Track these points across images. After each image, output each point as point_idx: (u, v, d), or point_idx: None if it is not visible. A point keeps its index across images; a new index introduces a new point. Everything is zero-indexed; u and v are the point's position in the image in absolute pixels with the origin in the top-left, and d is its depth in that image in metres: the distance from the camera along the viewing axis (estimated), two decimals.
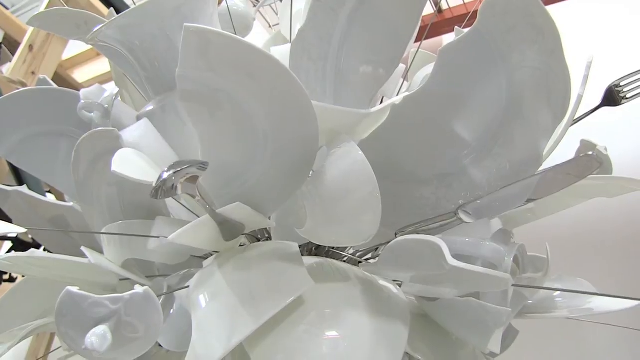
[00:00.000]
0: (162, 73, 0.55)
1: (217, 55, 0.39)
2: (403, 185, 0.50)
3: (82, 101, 0.56)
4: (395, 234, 0.46)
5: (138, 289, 0.41)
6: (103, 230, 0.54)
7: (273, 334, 0.45)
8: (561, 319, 0.61)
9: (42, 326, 0.60)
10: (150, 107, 0.55)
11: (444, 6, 1.27)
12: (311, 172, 0.47)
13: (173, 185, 0.36)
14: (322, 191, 0.46)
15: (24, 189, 0.68)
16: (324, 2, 0.48)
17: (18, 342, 0.58)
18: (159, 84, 0.56)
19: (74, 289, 0.40)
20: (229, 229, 0.47)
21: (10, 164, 1.00)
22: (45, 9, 1.36)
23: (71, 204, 0.66)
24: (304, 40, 0.49)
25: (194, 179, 0.37)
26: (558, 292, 0.61)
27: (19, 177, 1.03)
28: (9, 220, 0.72)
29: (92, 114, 0.56)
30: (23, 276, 0.66)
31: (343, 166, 0.45)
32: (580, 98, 0.49)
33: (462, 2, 1.26)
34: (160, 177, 0.34)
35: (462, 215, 0.41)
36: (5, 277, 1.27)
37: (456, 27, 0.57)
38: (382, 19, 0.48)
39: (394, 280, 0.53)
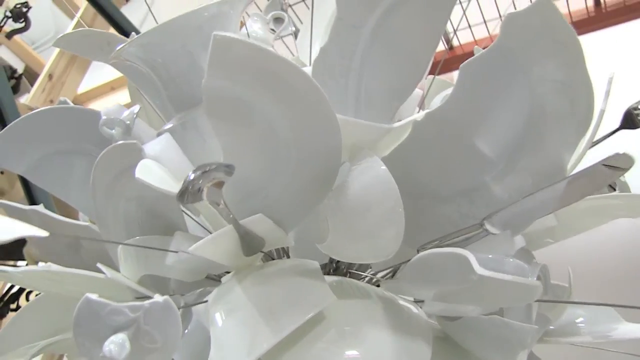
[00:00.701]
0: (184, 90, 0.56)
1: (243, 65, 0.39)
2: (424, 202, 0.50)
3: (104, 117, 0.56)
4: (417, 251, 0.45)
5: (158, 298, 0.40)
6: (120, 248, 0.53)
7: (292, 350, 0.43)
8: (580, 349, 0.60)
9: (51, 344, 0.58)
10: (170, 125, 0.55)
11: (455, 43, 1.29)
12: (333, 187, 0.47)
13: (199, 188, 0.35)
14: (344, 205, 0.45)
15: (40, 207, 0.68)
16: (346, 20, 0.49)
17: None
18: (179, 102, 0.56)
19: (93, 296, 0.40)
20: (249, 243, 0.47)
21: (23, 184, 1.01)
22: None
23: (87, 223, 0.66)
24: (326, 58, 0.50)
25: (219, 184, 0.37)
26: (581, 318, 0.59)
27: (32, 197, 1.03)
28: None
29: (113, 130, 0.56)
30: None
31: (365, 180, 0.45)
32: (602, 113, 0.49)
33: (472, 40, 1.29)
34: (187, 178, 0.34)
35: (488, 226, 0.40)
36: (13, 306, 1.26)
37: (475, 46, 0.57)
38: (403, 38, 0.49)
39: (415, 301, 0.51)
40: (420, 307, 0.50)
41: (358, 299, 0.48)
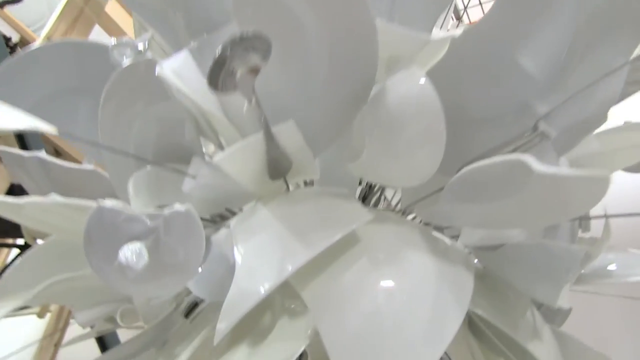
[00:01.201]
0: (201, 16, 0.52)
1: None
2: (462, 127, 0.46)
3: (114, 42, 0.52)
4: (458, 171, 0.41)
5: (179, 207, 0.36)
6: (131, 180, 0.49)
7: (326, 273, 0.39)
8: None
9: (49, 287, 0.53)
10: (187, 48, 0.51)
11: (465, 20, 1.26)
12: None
13: (233, 70, 0.31)
14: (379, 119, 0.41)
15: (41, 153, 0.63)
16: None
17: (24, 302, 0.52)
18: (196, 29, 0.52)
19: (108, 203, 0.35)
20: (275, 163, 0.43)
21: (18, 135, 0.95)
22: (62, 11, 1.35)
23: (92, 167, 0.61)
24: None
25: (254, 71, 0.33)
26: (613, 264, 0.55)
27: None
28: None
29: (124, 58, 0.52)
30: None
31: (404, 91, 0.41)
32: None
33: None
34: (219, 51, 0.30)
35: (543, 127, 0.36)
36: None
37: None
38: None
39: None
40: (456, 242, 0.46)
41: (393, 224, 0.44)
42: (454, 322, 0.37)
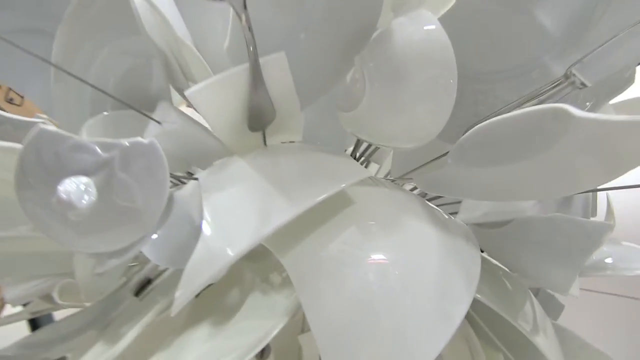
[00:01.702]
0: None
1: None
2: (471, 85, 0.41)
3: None
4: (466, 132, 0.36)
5: (141, 139, 0.29)
6: (85, 126, 0.41)
7: (310, 239, 0.33)
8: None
9: None
10: None
11: None
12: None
13: None
14: (382, 65, 0.35)
15: None
16: None
17: None
18: None
19: (49, 127, 0.28)
20: (257, 111, 0.36)
21: None
22: None
23: (44, 119, 0.53)
24: None
25: None
26: (609, 257, 0.51)
27: None
28: None
29: None
30: None
31: (412, 33, 0.35)
32: None
33: None
34: None
35: (577, 75, 0.31)
36: None
37: None
38: None
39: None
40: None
41: (389, 190, 0.37)
42: (462, 303, 0.31)
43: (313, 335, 0.29)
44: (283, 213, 0.30)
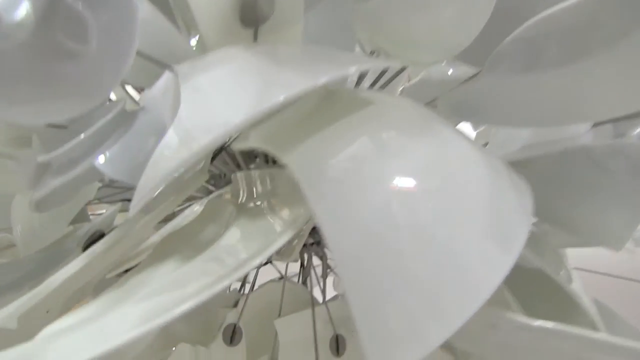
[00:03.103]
0: None
1: None
2: None
3: None
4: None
5: None
6: None
7: (317, 138, 0.25)
8: None
9: None
10: None
11: None
12: None
13: None
14: None
15: None
16: None
17: None
18: None
19: None
20: (252, 2, 0.29)
21: None
22: None
23: None
24: None
25: None
26: None
27: None
28: None
29: None
30: None
31: None
32: None
33: None
34: None
35: None
36: None
37: None
38: None
39: None
40: None
41: (412, 101, 0.30)
42: (520, 227, 0.23)
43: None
44: (286, 88, 0.22)
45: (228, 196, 0.33)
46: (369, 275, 0.21)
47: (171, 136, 0.22)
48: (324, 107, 0.26)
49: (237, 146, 0.26)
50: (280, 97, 0.21)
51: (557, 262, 0.33)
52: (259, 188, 0.31)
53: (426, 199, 0.23)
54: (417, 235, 0.22)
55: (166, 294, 0.23)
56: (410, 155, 0.25)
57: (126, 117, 0.30)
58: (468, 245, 0.22)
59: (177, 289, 0.23)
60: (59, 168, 0.30)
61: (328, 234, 0.21)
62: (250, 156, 0.42)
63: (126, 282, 0.27)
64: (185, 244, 0.29)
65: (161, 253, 0.29)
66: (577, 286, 0.33)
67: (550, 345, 0.27)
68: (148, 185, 0.20)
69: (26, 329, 0.27)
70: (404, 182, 0.23)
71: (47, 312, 0.29)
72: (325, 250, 0.49)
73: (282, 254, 0.34)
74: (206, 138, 0.21)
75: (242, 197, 0.31)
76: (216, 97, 0.23)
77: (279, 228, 0.26)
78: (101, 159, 0.28)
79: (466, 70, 0.33)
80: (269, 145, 0.25)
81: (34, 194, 0.31)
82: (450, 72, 0.38)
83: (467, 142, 0.27)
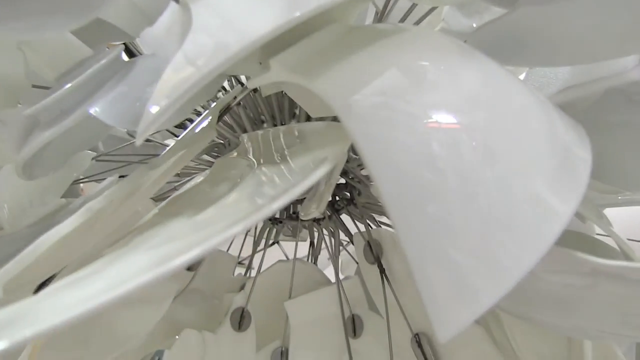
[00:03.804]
0: None
1: None
2: None
3: None
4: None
5: None
6: None
7: (348, 62, 0.22)
8: None
9: None
10: None
11: None
12: None
13: None
14: None
15: None
16: None
17: None
18: None
19: None
20: None
21: None
22: None
23: None
24: None
25: None
26: None
27: None
28: None
29: None
30: None
31: None
32: None
33: None
34: None
35: None
36: None
37: None
38: None
39: None
40: None
41: (439, 34, 0.27)
42: (583, 168, 0.20)
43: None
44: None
45: (236, 154, 0.30)
46: (416, 226, 0.18)
47: (187, 49, 0.19)
48: (352, 36, 0.24)
49: (258, 82, 0.23)
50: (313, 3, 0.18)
51: (597, 215, 0.30)
52: (276, 143, 0.28)
53: (471, 137, 0.20)
54: (462, 181, 0.19)
55: (179, 240, 0.20)
56: (447, 96, 0.22)
57: (123, 64, 0.27)
58: (524, 190, 0.19)
59: (192, 234, 0.20)
60: (50, 122, 0.27)
61: (373, 171, 0.18)
62: (257, 122, 0.39)
63: (131, 240, 0.24)
64: (196, 200, 0.26)
65: (168, 212, 0.26)
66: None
67: (605, 293, 0.24)
68: (162, 102, 0.17)
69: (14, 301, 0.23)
70: (444, 118, 0.20)
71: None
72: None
73: (306, 207, 0.30)
74: (237, 45, 0.17)
75: (256, 153, 0.28)
76: (238, 7, 0.20)
77: (303, 171, 0.23)
78: (96, 108, 0.25)
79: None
80: (296, 75, 0.22)
81: (20, 154, 0.28)
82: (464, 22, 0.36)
83: (512, 75, 0.24)
